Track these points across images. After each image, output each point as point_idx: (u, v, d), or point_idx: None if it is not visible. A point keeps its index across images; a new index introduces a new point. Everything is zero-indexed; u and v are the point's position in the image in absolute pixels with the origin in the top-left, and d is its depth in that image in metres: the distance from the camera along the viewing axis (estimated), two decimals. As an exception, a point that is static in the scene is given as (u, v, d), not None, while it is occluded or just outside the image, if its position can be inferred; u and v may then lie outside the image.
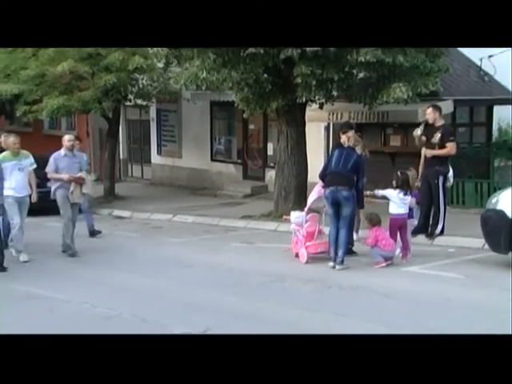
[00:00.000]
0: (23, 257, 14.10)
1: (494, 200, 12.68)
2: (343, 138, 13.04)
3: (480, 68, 21.25)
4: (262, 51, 15.76)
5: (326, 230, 13.22)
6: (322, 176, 12.74)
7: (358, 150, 13.26)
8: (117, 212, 19.89)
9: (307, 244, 13.04)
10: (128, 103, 25.97)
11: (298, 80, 16.07)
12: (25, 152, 14.72)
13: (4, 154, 14.36)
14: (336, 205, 12.40)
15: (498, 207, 12.24)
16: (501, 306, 9.78)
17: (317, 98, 17.22)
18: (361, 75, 15.75)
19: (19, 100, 24.72)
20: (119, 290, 11.46)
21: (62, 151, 14.96)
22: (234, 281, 11.80)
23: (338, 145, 13.41)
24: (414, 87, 15.80)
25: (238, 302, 10.41)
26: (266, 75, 17.28)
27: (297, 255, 13.21)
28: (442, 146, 14.21)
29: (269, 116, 22.75)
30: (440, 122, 14.46)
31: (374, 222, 12.45)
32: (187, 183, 27.86)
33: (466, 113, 21.56)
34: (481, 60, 21.02)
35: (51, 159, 14.86)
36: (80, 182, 14.62)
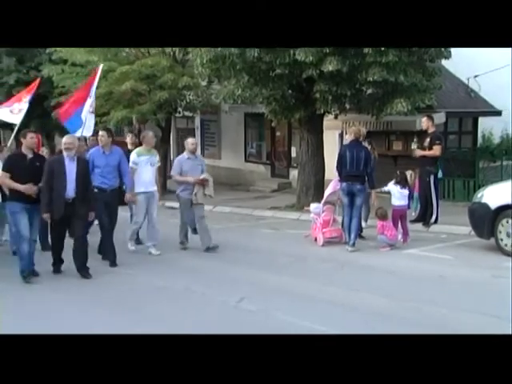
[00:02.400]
0: (154, 250, 12.52)
1: (479, 195, 12.64)
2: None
3: (467, 86, 21.19)
4: (287, 72, 15.76)
5: (339, 218, 13.18)
6: (339, 170, 12.69)
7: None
8: (168, 203, 19.75)
9: (324, 230, 13.02)
10: (177, 115, 26.00)
11: (317, 95, 16.06)
12: (154, 149, 13.19)
13: (139, 149, 12.74)
14: (351, 195, 12.38)
15: (483, 201, 12.22)
16: (483, 282, 9.90)
17: (332, 110, 17.15)
18: (369, 91, 15.65)
19: (92, 113, 24.92)
20: (171, 266, 11.50)
21: (186, 154, 13.05)
22: (264, 260, 11.75)
23: (346, 144, 13.34)
24: (413, 102, 15.74)
25: (267, 277, 10.39)
26: (290, 91, 17.23)
27: (315, 239, 13.18)
28: (430, 148, 14.24)
29: (292, 125, 22.73)
30: (432, 129, 14.51)
31: (381, 216, 12.44)
32: (225, 180, 27.79)
33: (456, 123, 21.46)
34: (468, 79, 21.03)
35: (176, 162, 13.26)
36: (203, 183, 12.77)
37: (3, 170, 10.61)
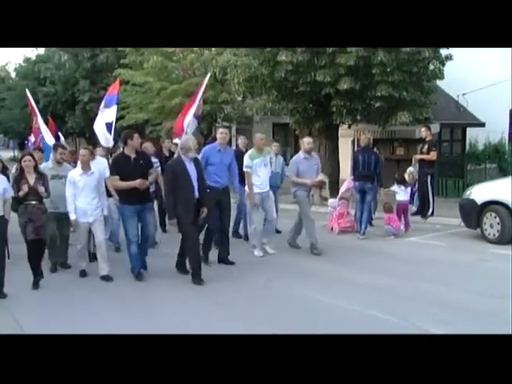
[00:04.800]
0: (269, 248, 10.83)
1: (467, 192, 12.59)
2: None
3: (457, 102, 21.10)
4: (308, 89, 15.74)
5: (352, 211, 13.07)
6: (354, 172, 12.48)
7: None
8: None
9: (339, 221, 12.97)
10: (217, 124, 26.03)
11: (334, 109, 15.99)
12: (267, 148, 11.34)
13: (251, 151, 10.78)
14: (362, 192, 12.22)
15: (471, 197, 12.17)
16: (471, 265, 9.89)
17: (346, 121, 17.05)
18: (377, 105, 15.53)
19: (147, 123, 25.23)
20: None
21: (301, 154, 11.02)
22: (289, 246, 11.60)
23: (359, 149, 13.21)
24: (413, 114, 15.65)
25: (292, 260, 10.37)
26: (311, 105, 17.15)
27: (332, 229, 13.11)
28: (427, 153, 14.20)
29: (313, 133, 22.46)
30: (429, 138, 14.41)
31: (388, 209, 12.39)
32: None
33: (448, 132, 21.43)
34: (458, 96, 20.96)
35: (292, 162, 11.14)
36: (320, 185, 10.88)
37: (111, 173, 9.35)
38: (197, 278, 8.79)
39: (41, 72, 34.83)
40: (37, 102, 36.63)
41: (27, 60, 42.27)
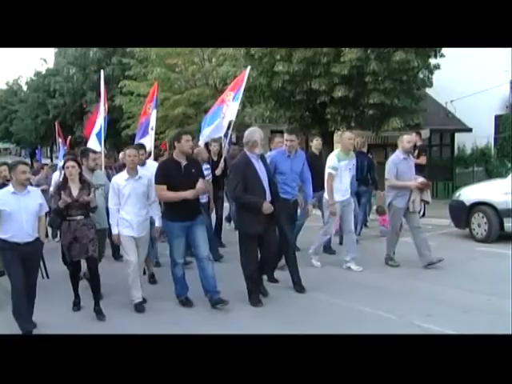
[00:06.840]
0: (354, 265, 9.30)
1: (457, 194, 12.67)
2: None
3: (446, 108, 21.21)
4: (305, 98, 15.78)
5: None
6: None
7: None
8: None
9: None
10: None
11: (329, 116, 16.06)
12: (353, 153, 9.44)
13: (339, 152, 9.04)
14: (357, 195, 11.88)
15: (460, 199, 12.25)
16: (460, 262, 9.88)
17: (341, 127, 17.07)
18: (370, 112, 15.58)
19: (152, 132, 25.27)
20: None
21: (400, 154, 9.17)
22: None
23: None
24: (405, 121, 15.73)
25: (299, 255, 10.24)
26: (307, 113, 17.20)
27: (330, 228, 13.12)
28: (418, 157, 14.15)
29: (309, 139, 22.72)
30: (419, 143, 14.38)
31: (380, 212, 12.41)
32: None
33: (438, 137, 21.68)
34: (446, 103, 21.05)
35: (391, 163, 9.16)
36: (424, 187, 9.24)
37: (156, 182, 7.20)
38: (254, 299, 7.39)
39: (50, 85, 35.16)
40: (47, 113, 37.29)
41: (38, 74, 42.66)
